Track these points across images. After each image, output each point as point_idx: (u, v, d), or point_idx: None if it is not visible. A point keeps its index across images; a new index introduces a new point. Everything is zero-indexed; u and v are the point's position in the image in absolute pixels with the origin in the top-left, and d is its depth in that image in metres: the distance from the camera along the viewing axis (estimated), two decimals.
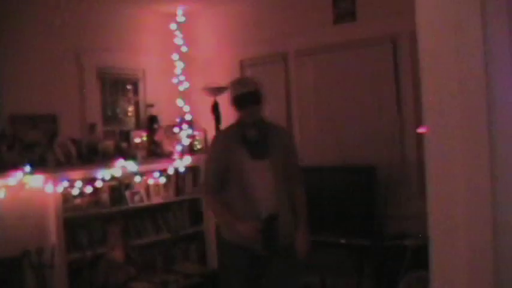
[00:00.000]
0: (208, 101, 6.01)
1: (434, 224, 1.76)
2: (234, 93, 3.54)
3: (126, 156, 5.38)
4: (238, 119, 3.62)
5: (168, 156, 5.79)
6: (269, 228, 3.36)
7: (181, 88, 6.13)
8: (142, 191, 5.66)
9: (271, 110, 5.74)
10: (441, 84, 1.69)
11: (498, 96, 1.63)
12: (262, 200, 3.48)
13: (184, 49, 6.16)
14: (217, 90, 5.90)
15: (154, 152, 5.78)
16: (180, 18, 6.19)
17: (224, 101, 5.96)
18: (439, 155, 1.73)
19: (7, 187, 4.63)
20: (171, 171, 5.78)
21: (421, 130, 4.32)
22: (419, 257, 4.00)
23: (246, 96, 3.48)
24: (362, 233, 4.79)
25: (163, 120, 6.06)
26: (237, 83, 3.64)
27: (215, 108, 5.99)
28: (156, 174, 5.71)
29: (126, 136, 5.78)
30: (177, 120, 6.07)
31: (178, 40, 6.17)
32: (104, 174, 5.15)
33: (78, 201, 5.08)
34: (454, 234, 1.71)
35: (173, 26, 6.17)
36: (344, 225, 4.86)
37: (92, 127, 5.50)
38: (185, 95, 6.14)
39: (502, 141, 1.65)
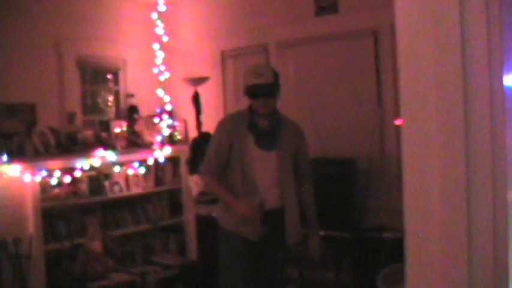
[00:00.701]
0: (189, 91, 5.99)
1: (410, 217, 1.77)
2: (247, 83, 3.40)
3: (106, 146, 5.33)
4: (249, 107, 3.50)
5: (148, 146, 5.75)
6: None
7: (161, 78, 6.08)
8: (122, 182, 5.61)
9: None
10: (418, 77, 1.71)
11: (474, 89, 1.64)
12: (264, 190, 3.41)
13: (165, 39, 6.10)
14: (198, 81, 5.89)
15: (134, 142, 5.73)
16: (161, 8, 6.13)
17: (205, 92, 5.97)
18: (415, 147, 1.75)
19: None
20: (151, 161, 5.75)
21: (398, 122, 4.36)
22: (398, 250, 4.04)
23: (259, 88, 3.34)
24: (341, 225, 4.80)
25: (144, 110, 6.03)
26: (251, 72, 3.43)
27: (196, 99, 5.98)
28: (136, 164, 5.66)
29: (105, 126, 5.73)
30: (158, 110, 6.02)
31: (159, 30, 6.12)
32: (83, 164, 5.10)
33: (56, 191, 5.03)
34: (430, 228, 1.73)
35: (154, 16, 6.12)
36: (323, 217, 4.85)
37: (71, 116, 5.46)
38: (166, 85, 6.09)
39: (478, 134, 1.66)
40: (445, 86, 1.66)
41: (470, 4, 1.63)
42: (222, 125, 3.61)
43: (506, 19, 1.64)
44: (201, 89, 5.95)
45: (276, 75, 3.44)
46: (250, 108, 3.48)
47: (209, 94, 6.01)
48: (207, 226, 5.20)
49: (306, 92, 5.45)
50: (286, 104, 5.58)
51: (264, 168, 3.42)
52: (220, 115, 5.83)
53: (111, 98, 6.16)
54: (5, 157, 4.60)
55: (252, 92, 3.37)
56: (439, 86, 1.67)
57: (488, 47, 1.62)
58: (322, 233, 4.85)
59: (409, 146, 1.77)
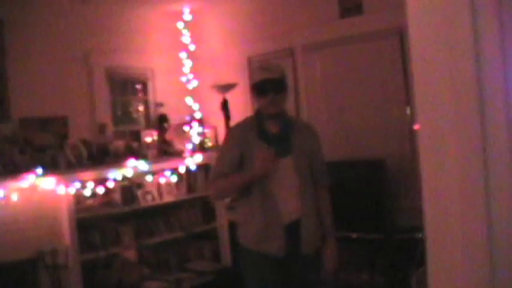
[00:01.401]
0: (218, 98, 6.02)
1: (430, 219, 1.76)
2: (255, 80, 3.19)
3: (137, 156, 5.40)
4: (257, 110, 3.28)
5: (179, 154, 5.81)
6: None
7: (190, 86, 6.16)
8: (154, 190, 5.67)
9: None
10: (432, 80, 1.69)
11: (489, 89, 1.62)
12: (284, 202, 3.14)
13: (192, 47, 6.18)
14: (226, 88, 5.93)
15: (165, 150, 5.80)
16: (187, 17, 6.21)
17: (233, 98, 6.00)
18: (432, 150, 1.73)
19: (20, 190, 4.67)
20: (182, 169, 5.80)
21: (416, 127, 4.31)
22: None
23: (267, 83, 3.11)
24: (373, 227, 4.78)
25: (173, 119, 6.08)
26: (259, 68, 3.29)
27: (224, 106, 6.01)
28: (168, 173, 5.72)
29: (136, 136, 5.81)
30: (187, 118, 6.09)
31: (186, 38, 6.19)
32: (115, 175, 5.17)
33: (90, 202, 5.11)
34: (449, 229, 1.71)
35: (180, 25, 6.20)
36: (355, 219, 4.84)
37: (102, 128, 5.54)
38: (194, 93, 6.16)
39: (494, 134, 1.64)
40: (460, 89, 1.64)
41: (482, 6, 1.60)
42: (230, 134, 3.45)
43: None
44: (230, 96, 5.98)
45: (284, 73, 3.24)
46: (258, 113, 3.26)
47: (237, 100, 6.04)
48: None
49: (334, 93, 5.43)
50: (315, 106, 5.61)
51: (281, 177, 3.13)
52: None
53: (141, 108, 6.24)
54: (39, 170, 4.69)
55: (260, 87, 3.14)
56: (454, 89, 1.65)
57: (501, 48, 1.60)
58: (355, 235, 4.87)
59: (426, 149, 1.76)
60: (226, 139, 3.38)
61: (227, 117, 5.99)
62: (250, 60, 6.09)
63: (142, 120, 6.21)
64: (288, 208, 3.15)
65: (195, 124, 6.06)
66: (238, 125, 3.42)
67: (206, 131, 6.24)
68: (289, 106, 5.61)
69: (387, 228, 4.79)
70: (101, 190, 5.10)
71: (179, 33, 6.18)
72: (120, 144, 5.46)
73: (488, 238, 1.64)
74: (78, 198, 5.01)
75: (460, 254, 1.69)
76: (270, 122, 3.21)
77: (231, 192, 3.49)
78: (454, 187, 1.68)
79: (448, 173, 1.69)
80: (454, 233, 1.71)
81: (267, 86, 3.11)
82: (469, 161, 1.65)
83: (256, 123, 3.23)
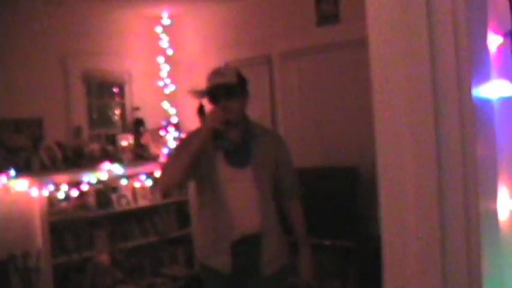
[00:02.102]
0: (194, 103, 6.02)
1: (387, 228, 1.80)
2: (207, 85, 2.96)
3: (113, 160, 5.39)
4: None
5: (155, 159, 5.80)
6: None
7: (167, 91, 6.17)
8: (129, 194, 5.66)
9: (256, 112, 5.81)
10: (390, 88, 1.74)
11: (444, 100, 1.67)
12: (239, 215, 2.90)
13: (169, 52, 6.19)
14: (203, 93, 5.93)
15: (141, 155, 5.79)
16: (166, 21, 6.22)
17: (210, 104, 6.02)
18: (389, 160, 1.78)
19: None
20: (157, 174, 5.80)
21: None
22: None
23: (220, 88, 2.87)
24: (346, 234, 4.81)
25: (150, 123, 6.08)
26: (212, 73, 2.98)
27: (201, 111, 5.99)
28: (143, 177, 5.72)
29: (112, 139, 5.79)
30: (163, 123, 6.09)
31: (164, 43, 6.20)
32: (90, 178, 5.16)
33: (64, 205, 5.09)
34: (405, 237, 1.76)
35: (158, 29, 6.20)
36: (328, 226, 4.87)
37: (78, 130, 5.52)
38: (171, 98, 6.16)
39: (448, 144, 1.69)
40: (416, 98, 1.70)
41: (438, 16, 1.65)
42: (187, 137, 3.20)
43: (475, 31, 1.67)
44: (207, 101, 5.99)
45: (241, 78, 2.98)
46: None
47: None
48: None
49: (310, 101, 5.46)
50: (290, 113, 5.64)
51: (238, 189, 2.89)
52: None
53: (117, 112, 6.22)
54: (12, 172, 4.67)
55: (212, 93, 2.91)
56: (410, 98, 1.70)
57: (456, 59, 1.65)
58: (327, 242, 4.89)
59: (383, 158, 1.80)
60: (183, 141, 3.25)
61: (203, 123, 6.00)
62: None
63: (118, 123, 6.19)
64: (243, 222, 2.90)
65: (171, 129, 6.06)
66: (198, 130, 3.09)
67: (182, 136, 6.24)
68: (265, 113, 5.70)
69: (360, 235, 4.82)
70: (75, 193, 5.09)
71: (157, 37, 6.19)
72: (95, 147, 5.45)
73: (441, 246, 1.69)
74: (52, 201, 4.99)
75: (414, 261, 1.73)
76: (229, 129, 2.87)
77: (178, 170, 2.87)
78: (409, 195, 1.73)
79: (405, 181, 1.73)
80: (409, 242, 1.76)
81: (219, 91, 2.88)
82: (424, 168, 1.70)
83: (213, 130, 2.86)
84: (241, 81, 2.97)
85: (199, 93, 3.02)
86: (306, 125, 5.50)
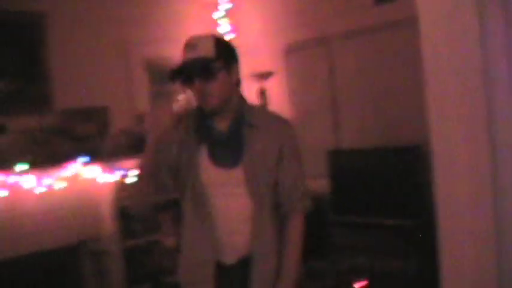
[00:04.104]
0: (255, 86, 6.06)
1: (442, 209, 1.79)
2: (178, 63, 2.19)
3: None
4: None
5: None
6: None
7: None
8: None
9: (314, 95, 5.79)
10: (441, 69, 1.71)
11: (495, 79, 1.64)
12: (227, 232, 2.25)
13: (229, 36, 6.22)
14: (263, 76, 5.96)
15: None
16: (225, 6, 6.26)
17: (271, 87, 6.04)
18: (442, 137, 1.76)
19: (63, 179, 4.83)
20: None
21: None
22: None
23: (190, 65, 2.15)
24: (407, 214, 4.76)
25: None
26: (184, 46, 2.20)
27: (262, 94, 6.05)
28: None
29: None
30: None
31: (223, 28, 6.24)
32: None
33: (132, 190, 5.21)
34: (460, 218, 1.74)
35: (217, 14, 6.25)
36: (389, 206, 4.83)
37: (141, 118, 5.63)
38: None
39: (501, 122, 1.66)
40: (467, 76, 1.67)
41: None
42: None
43: None
44: (267, 84, 6.01)
45: (221, 48, 2.19)
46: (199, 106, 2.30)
47: (275, 89, 6.07)
48: None
49: (369, 81, 5.40)
50: (349, 95, 5.59)
51: (224, 197, 2.23)
52: (286, 109, 5.90)
53: (180, 97, 6.29)
54: (81, 159, 4.83)
55: (182, 73, 2.19)
56: (461, 76, 1.68)
57: (507, 38, 1.61)
58: (388, 221, 4.84)
59: (436, 134, 1.78)
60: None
61: (264, 106, 6.03)
62: (286, 49, 6.10)
63: None
64: (231, 241, 2.25)
65: None
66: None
67: None
68: (324, 95, 5.67)
69: (422, 215, 4.76)
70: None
71: (216, 23, 6.24)
72: None
73: (495, 226, 1.66)
74: (119, 186, 5.13)
75: (469, 241, 1.71)
76: (217, 116, 2.26)
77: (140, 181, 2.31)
78: (464, 178, 1.70)
79: (459, 164, 1.71)
80: (463, 221, 1.74)
81: (189, 69, 2.16)
82: (477, 150, 1.68)
83: (197, 118, 2.29)
84: (222, 53, 2.18)
85: (170, 75, 2.20)
86: (366, 105, 5.44)
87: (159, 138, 2.24)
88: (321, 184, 5.36)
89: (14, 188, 4.57)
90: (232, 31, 6.25)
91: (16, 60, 4.93)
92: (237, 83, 2.29)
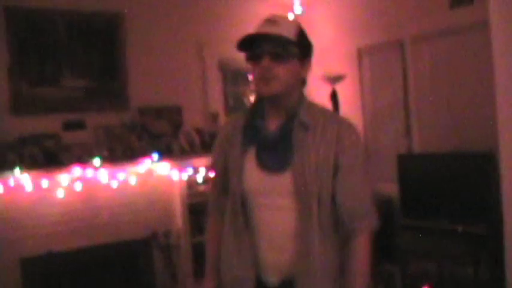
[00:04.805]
0: (327, 89, 6.07)
1: (508, 216, 1.77)
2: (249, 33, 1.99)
3: None
4: (256, 98, 2.17)
5: None
6: None
7: None
8: None
9: (387, 98, 5.74)
10: (510, 74, 1.69)
11: None
12: (270, 247, 1.99)
13: None
14: (335, 79, 5.96)
15: None
16: (297, 9, 6.30)
17: (342, 89, 6.03)
18: (511, 146, 1.74)
19: (137, 174, 5.00)
20: None
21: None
22: None
23: (259, 40, 1.95)
24: (479, 220, 4.67)
25: None
26: (263, 20, 2.04)
27: (333, 97, 6.05)
28: None
29: None
30: None
31: None
32: None
33: (201, 187, 5.33)
34: None
35: (290, 16, 6.30)
36: (461, 212, 4.76)
37: (215, 116, 5.74)
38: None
39: None
40: None
41: None
42: (220, 131, 2.30)
43: None
44: (339, 87, 6.01)
45: (302, 35, 2.02)
46: (256, 100, 2.13)
47: (347, 92, 6.06)
48: None
49: (442, 85, 5.32)
50: (422, 99, 5.51)
51: (268, 208, 1.98)
52: (358, 113, 5.89)
53: (251, 99, 6.40)
54: (155, 156, 4.98)
55: (248, 47, 1.99)
56: None
57: None
58: (460, 227, 4.76)
59: (504, 139, 1.77)
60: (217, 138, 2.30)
61: (336, 109, 6.03)
62: (359, 52, 6.09)
63: None
64: (273, 259, 1.99)
65: None
66: (228, 119, 2.48)
67: None
68: (397, 98, 5.63)
69: (493, 221, 4.66)
70: (212, 176, 5.29)
71: None
72: None
73: None
74: (191, 183, 5.25)
75: None
76: (272, 112, 2.03)
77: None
78: None
79: None
80: None
81: (259, 45, 1.94)
82: None
83: (247, 115, 2.10)
84: (302, 41, 2.00)
85: (239, 43, 2.00)
86: (438, 109, 5.36)
87: (224, 139, 2.15)
88: (392, 188, 5.33)
89: (91, 181, 4.77)
90: None
91: (96, 60, 5.14)
92: (303, 81, 2.09)
